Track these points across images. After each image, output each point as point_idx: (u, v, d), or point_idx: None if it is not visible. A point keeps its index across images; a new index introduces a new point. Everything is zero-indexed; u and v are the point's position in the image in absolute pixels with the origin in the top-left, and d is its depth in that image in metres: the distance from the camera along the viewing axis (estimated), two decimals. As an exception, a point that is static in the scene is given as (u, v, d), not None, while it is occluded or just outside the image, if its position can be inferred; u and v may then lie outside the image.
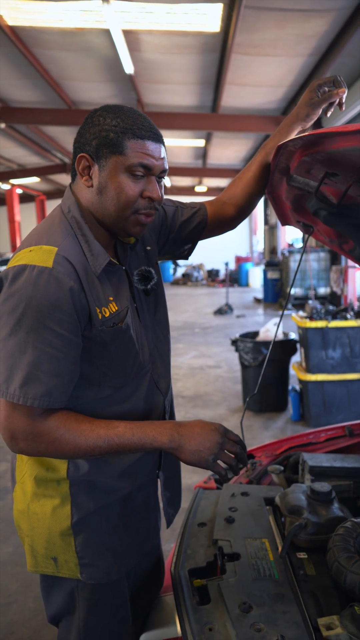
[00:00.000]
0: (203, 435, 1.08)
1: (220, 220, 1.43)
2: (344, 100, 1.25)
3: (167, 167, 1.11)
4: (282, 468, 1.72)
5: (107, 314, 1.07)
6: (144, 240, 1.29)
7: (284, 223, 1.72)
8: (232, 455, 1.13)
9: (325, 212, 1.36)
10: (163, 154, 1.09)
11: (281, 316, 1.64)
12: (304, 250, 1.54)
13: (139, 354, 1.18)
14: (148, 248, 1.29)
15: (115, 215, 1.08)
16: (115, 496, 1.17)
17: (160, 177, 1.11)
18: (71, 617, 1.18)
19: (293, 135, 1.36)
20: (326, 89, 1.26)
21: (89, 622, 1.16)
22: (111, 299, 1.09)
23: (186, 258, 1.50)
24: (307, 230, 1.63)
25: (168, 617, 1.37)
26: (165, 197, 1.45)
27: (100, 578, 1.15)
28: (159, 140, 1.08)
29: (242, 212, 1.45)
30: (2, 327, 0.99)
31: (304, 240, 1.55)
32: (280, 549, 1.29)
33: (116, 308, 1.10)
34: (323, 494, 1.39)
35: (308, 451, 1.90)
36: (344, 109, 1.25)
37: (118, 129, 1.03)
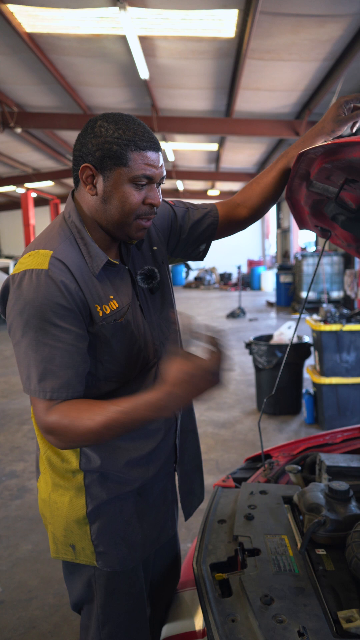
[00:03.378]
0: (194, 387, 1.01)
1: (231, 221, 1.47)
2: None
3: (165, 173, 1.18)
4: (299, 468, 1.75)
5: (108, 311, 1.14)
6: (150, 241, 1.34)
7: (301, 227, 1.76)
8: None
9: (343, 216, 1.39)
10: (162, 162, 1.15)
11: (298, 320, 1.67)
12: (321, 254, 1.57)
13: (142, 350, 1.22)
14: (155, 248, 1.34)
15: (119, 222, 1.14)
16: (128, 487, 1.22)
17: (159, 183, 1.17)
18: (91, 605, 1.24)
19: None
20: (352, 105, 1.30)
21: (106, 610, 1.22)
22: (112, 297, 1.15)
23: (201, 259, 1.54)
24: (324, 234, 1.67)
25: (188, 611, 1.41)
26: (176, 199, 1.50)
27: (115, 566, 1.21)
28: (158, 148, 1.14)
29: (255, 215, 1.49)
30: (15, 331, 1.07)
31: (322, 245, 1.58)
32: (299, 545, 1.32)
33: (117, 305, 1.16)
34: (341, 492, 1.42)
35: (325, 452, 1.93)
36: None
37: (121, 141, 1.08)
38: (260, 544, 1.33)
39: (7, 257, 18.12)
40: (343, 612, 1.09)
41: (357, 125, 1.33)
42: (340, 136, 1.38)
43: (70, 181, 18.70)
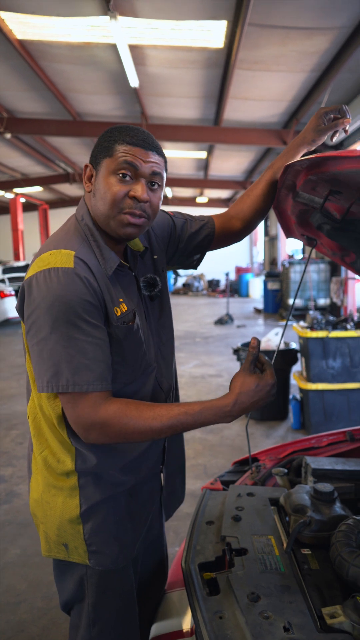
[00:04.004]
0: (256, 396, 1.14)
1: (227, 233, 1.51)
2: (347, 128, 1.36)
3: (159, 172, 1.17)
4: (285, 470, 1.79)
5: (119, 313, 1.17)
6: (152, 250, 1.38)
7: (288, 236, 1.81)
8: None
9: (328, 226, 1.44)
10: (154, 159, 1.15)
11: (284, 327, 1.72)
12: (307, 261, 1.62)
13: (146, 353, 1.27)
14: (155, 257, 1.38)
15: (104, 215, 1.16)
16: (121, 488, 1.25)
17: (152, 183, 1.17)
18: (81, 604, 1.26)
19: (299, 157, 1.45)
20: (332, 116, 1.36)
21: (97, 608, 1.24)
22: (121, 300, 1.19)
23: (195, 268, 1.59)
24: (310, 243, 1.72)
25: (176, 611, 1.44)
26: (175, 211, 1.54)
27: (107, 564, 1.23)
28: (150, 148, 1.15)
29: (248, 226, 1.54)
30: (42, 328, 1.07)
31: (308, 253, 1.63)
32: (285, 545, 1.36)
33: (126, 308, 1.19)
34: (326, 493, 1.46)
35: (311, 455, 1.97)
36: (348, 133, 1.34)
37: (111, 138, 1.14)
38: (247, 544, 1.37)
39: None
40: (327, 609, 1.12)
41: (336, 135, 1.40)
42: (320, 147, 1.44)
43: (59, 187, 18.73)
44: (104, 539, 1.22)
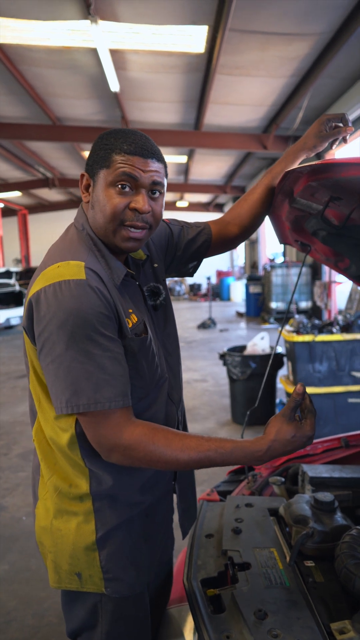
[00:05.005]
0: (290, 446, 1.09)
1: (223, 239, 1.49)
2: (348, 137, 1.35)
3: (159, 181, 1.12)
4: (283, 479, 1.77)
5: (131, 325, 1.12)
6: (151, 258, 1.34)
7: (282, 242, 1.79)
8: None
9: (324, 232, 1.43)
10: (153, 167, 1.10)
11: (280, 332, 1.70)
12: (302, 267, 1.61)
13: (158, 366, 1.22)
14: (155, 265, 1.34)
15: (104, 228, 1.12)
16: (137, 509, 1.19)
17: (153, 192, 1.12)
18: (92, 632, 1.18)
19: (298, 162, 1.44)
20: (333, 124, 1.36)
21: (111, 636, 1.17)
22: (130, 310, 1.14)
23: (191, 275, 1.55)
24: (304, 249, 1.70)
25: (178, 629, 1.40)
26: (171, 217, 1.50)
27: (124, 591, 1.16)
28: (149, 155, 1.09)
29: (245, 232, 1.51)
30: (56, 345, 1.00)
31: (303, 259, 1.62)
32: (288, 557, 1.33)
33: (136, 319, 1.14)
34: (327, 503, 1.44)
35: (306, 462, 1.95)
36: (348, 143, 1.34)
37: (108, 146, 1.08)
38: (249, 557, 1.34)
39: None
40: (335, 624, 1.10)
41: (337, 142, 1.39)
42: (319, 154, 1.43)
43: (39, 192, 18.57)
44: (121, 565, 1.16)
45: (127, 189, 1.08)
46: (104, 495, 1.15)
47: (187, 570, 1.34)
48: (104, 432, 1.04)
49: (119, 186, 1.07)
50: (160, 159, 1.13)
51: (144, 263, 1.30)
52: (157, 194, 1.13)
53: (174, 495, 1.37)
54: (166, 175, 1.16)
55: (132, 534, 1.18)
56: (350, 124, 1.34)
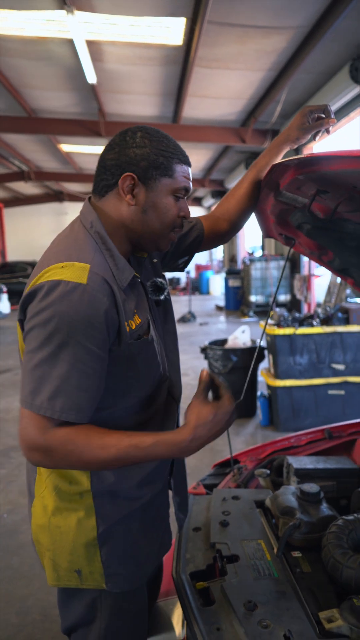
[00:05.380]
0: (215, 427, 1.08)
1: (215, 234, 1.49)
2: (331, 129, 1.36)
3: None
4: (268, 472, 1.78)
5: (134, 327, 1.11)
6: (150, 255, 1.33)
7: (266, 235, 1.80)
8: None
9: (309, 225, 1.44)
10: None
11: (264, 326, 1.70)
12: (286, 261, 1.62)
13: (160, 365, 1.22)
14: (155, 261, 1.34)
15: (158, 233, 1.15)
16: (137, 504, 1.19)
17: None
18: (89, 627, 1.18)
19: (282, 155, 1.44)
20: (316, 115, 1.36)
21: (110, 630, 1.17)
22: (135, 311, 1.13)
23: (182, 270, 1.55)
24: (288, 242, 1.71)
25: (168, 622, 1.41)
26: None
27: (125, 586, 1.16)
28: (190, 165, 1.19)
29: (235, 226, 1.52)
30: (32, 340, 0.99)
31: (287, 252, 1.62)
32: (275, 549, 1.34)
33: (140, 320, 1.13)
34: (313, 494, 1.46)
35: (291, 454, 1.97)
36: (330, 134, 1.35)
37: (167, 153, 1.11)
38: (237, 550, 1.35)
39: None
40: (324, 613, 1.11)
41: (319, 134, 1.39)
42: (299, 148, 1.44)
43: (14, 185, 18.26)
44: (121, 560, 1.16)
45: (180, 197, 1.16)
46: (104, 491, 1.14)
47: (175, 563, 1.34)
48: (28, 430, 1.00)
49: (176, 196, 1.15)
50: None
51: (145, 260, 1.29)
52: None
53: (169, 490, 1.37)
54: None
55: (132, 528, 1.18)
56: (332, 116, 1.35)
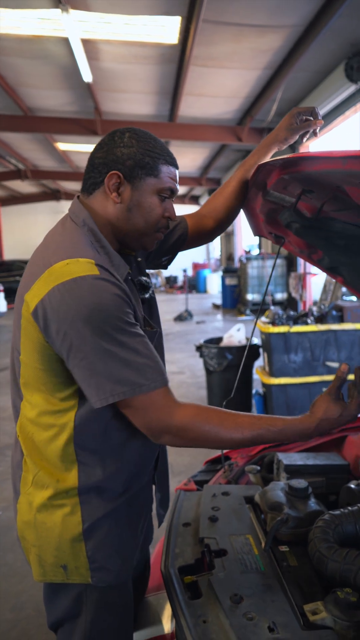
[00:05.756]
0: (336, 424, 1.15)
1: (199, 232, 1.51)
2: (318, 131, 1.40)
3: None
4: (258, 468, 1.80)
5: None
6: (136, 253, 1.34)
7: (256, 234, 1.81)
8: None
9: (298, 224, 1.46)
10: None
11: (254, 325, 1.72)
12: (276, 259, 1.63)
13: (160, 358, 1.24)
14: (139, 259, 1.35)
15: (142, 232, 1.17)
16: (122, 499, 1.20)
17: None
18: (75, 621, 1.18)
19: (270, 155, 1.46)
20: (304, 117, 1.39)
21: (95, 624, 1.18)
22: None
23: (165, 268, 1.57)
24: (278, 241, 1.73)
25: (156, 616, 1.42)
26: None
27: (111, 580, 1.17)
28: (178, 167, 1.22)
29: (221, 225, 1.53)
30: (85, 342, 1.01)
31: (277, 251, 1.64)
32: (263, 543, 1.36)
33: (138, 314, 1.16)
34: (301, 490, 1.47)
35: (281, 451, 1.99)
36: (318, 137, 1.37)
37: (153, 153, 1.14)
38: (226, 544, 1.36)
39: None
40: (309, 605, 1.13)
41: (307, 135, 1.42)
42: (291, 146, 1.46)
43: (11, 183, 18.25)
44: (107, 554, 1.17)
45: (165, 197, 1.18)
46: (91, 487, 1.15)
47: (164, 558, 1.36)
48: (155, 416, 1.06)
49: (161, 196, 1.17)
50: None
51: (132, 258, 1.31)
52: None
53: (153, 485, 1.39)
54: None
55: (117, 523, 1.19)
56: (320, 117, 1.39)
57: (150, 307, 1.35)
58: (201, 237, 1.52)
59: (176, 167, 1.20)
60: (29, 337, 1.08)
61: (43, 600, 1.26)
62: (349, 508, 1.35)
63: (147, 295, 1.30)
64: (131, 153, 1.12)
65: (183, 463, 3.86)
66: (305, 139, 1.43)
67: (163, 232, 1.22)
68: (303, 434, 1.13)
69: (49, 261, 1.06)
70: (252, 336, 1.62)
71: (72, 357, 1.03)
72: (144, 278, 1.31)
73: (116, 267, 1.12)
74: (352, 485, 1.51)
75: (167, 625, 1.39)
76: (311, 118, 1.39)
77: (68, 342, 1.02)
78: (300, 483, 1.50)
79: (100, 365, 1.01)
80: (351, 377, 1.18)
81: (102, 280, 1.02)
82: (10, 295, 13.88)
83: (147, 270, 1.42)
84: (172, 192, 1.19)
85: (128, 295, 1.08)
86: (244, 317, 11.80)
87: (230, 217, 1.53)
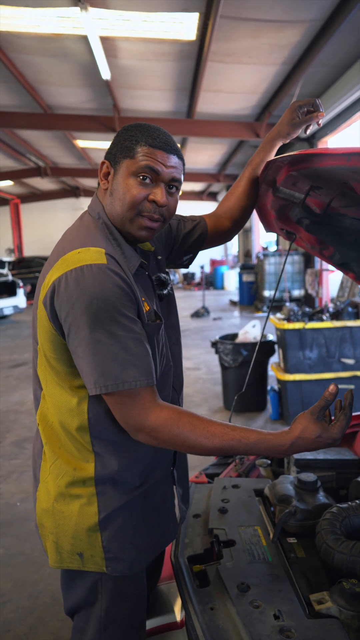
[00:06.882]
0: (314, 445, 1.11)
1: (218, 232, 1.53)
2: (320, 122, 1.39)
3: (178, 177, 1.17)
4: (269, 462, 1.82)
5: (144, 312, 1.15)
6: (155, 251, 1.37)
7: (268, 230, 1.83)
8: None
9: (308, 220, 1.47)
10: (174, 163, 1.15)
11: (266, 319, 1.74)
12: (287, 255, 1.65)
13: (166, 352, 1.26)
14: (159, 257, 1.38)
15: (121, 216, 1.16)
16: (137, 492, 1.21)
17: (170, 187, 1.17)
18: (91, 608, 1.21)
19: (275, 150, 1.47)
20: (305, 110, 1.40)
21: (110, 612, 1.20)
22: (143, 299, 1.16)
23: (186, 267, 1.60)
24: (290, 237, 1.74)
25: (168, 604, 1.46)
26: None
27: (125, 571, 1.19)
28: (172, 151, 1.15)
29: (237, 224, 1.55)
30: (81, 328, 1.03)
31: (288, 247, 1.65)
32: (271, 535, 1.38)
33: (148, 307, 1.17)
34: (309, 483, 1.49)
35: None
36: (321, 125, 1.38)
37: (133, 138, 1.13)
38: (234, 535, 1.39)
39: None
40: (314, 595, 1.15)
41: (310, 128, 1.43)
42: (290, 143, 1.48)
43: (31, 181, 18.45)
44: (121, 545, 1.19)
45: (147, 181, 1.13)
46: (107, 478, 1.17)
47: (174, 548, 1.39)
48: (131, 413, 1.08)
49: (140, 177, 1.12)
50: (180, 157, 1.18)
51: (151, 254, 1.33)
52: (174, 189, 1.18)
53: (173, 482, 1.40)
54: (183, 172, 1.21)
55: (132, 515, 1.21)
56: (321, 109, 1.38)
57: (169, 303, 1.37)
58: (220, 236, 1.54)
59: (164, 149, 1.13)
60: (43, 326, 1.12)
61: (60, 586, 1.29)
62: (357, 501, 1.36)
63: (165, 292, 1.32)
64: (117, 141, 1.16)
65: (198, 458, 3.89)
66: (308, 132, 1.43)
67: (152, 219, 1.16)
68: (277, 450, 1.10)
69: (63, 250, 1.10)
70: (262, 332, 1.64)
71: (71, 342, 1.06)
72: (163, 275, 1.33)
73: (128, 258, 1.15)
74: (362, 480, 1.52)
75: (178, 613, 1.42)
76: (313, 110, 1.39)
77: (67, 327, 1.05)
78: (309, 476, 1.52)
79: (91, 354, 1.04)
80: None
81: (108, 270, 1.04)
82: (30, 292, 14.05)
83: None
84: (155, 172, 1.12)
85: (132, 289, 1.09)
86: (261, 314, 11.77)
87: (245, 216, 1.55)
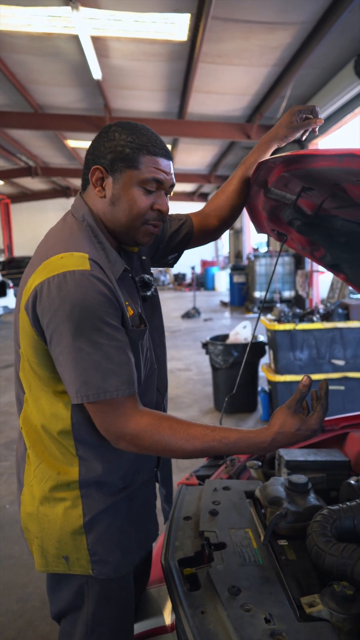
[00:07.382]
0: (294, 439, 1.11)
1: (204, 231, 1.52)
2: (317, 129, 1.41)
3: (174, 183, 1.20)
4: (259, 463, 1.81)
5: (129, 316, 1.14)
6: (140, 251, 1.36)
7: (259, 231, 1.83)
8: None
9: (299, 222, 1.47)
10: (171, 169, 1.18)
11: (257, 320, 1.73)
12: (278, 257, 1.64)
13: (150, 356, 1.25)
14: (143, 258, 1.36)
15: (126, 225, 1.16)
16: (122, 494, 1.21)
17: (167, 192, 1.19)
18: (77, 612, 1.20)
19: (270, 152, 1.47)
20: (304, 115, 1.40)
21: (97, 615, 1.20)
22: (127, 303, 1.15)
23: (171, 266, 1.58)
24: (281, 238, 1.74)
25: (157, 607, 1.44)
26: None
27: (111, 573, 1.19)
28: (170, 157, 1.17)
29: (225, 223, 1.54)
30: (63, 336, 1.02)
31: (279, 248, 1.65)
32: (262, 537, 1.38)
33: (132, 312, 1.16)
34: (300, 485, 1.49)
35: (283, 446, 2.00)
36: (317, 133, 1.39)
37: (134, 145, 1.11)
38: (225, 538, 1.38)
39: None
40: (305, 598, 1.15)
41: (307, 133, 1.44)
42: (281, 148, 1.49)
43: (21, 181, 18.34)
44: (107, 548, 1.18)
45: (151, 189, 1.14)
46: (91, 481, 1.17)
47: (164, 550, 1.38)
48: (112, 421, 1.07)
49: (146, 188, 1.14)
50: (172, 158, 1.19)
51: (134, 255, 1.32)
52: (169, 192, 1.20)
53: (156, 483, 1.39)
54: None
55: (117, 517, 1.21)
56: (320, 116, 1.40)
57: (153, 305, 1.36)
58: (206, 235, 1.53)
59: (164, 156, 1.15)
60: (25, 330, 1.11)
61: (47, 591, 1.28)
62: (348, 503, 1.36)
63: (148, 293, 1.31)
64: (112, 146, 1.13)
65: (189, 459, 3.88)
66: (305, 137, 1.44)
67: (156, 226, 1.19)
68: (258, 448, 1.10)
69: (46, 254, 1.08)
70: (253, 333, 1.64)
71: (53, 349, 1.05)
72: (147, 276, 1.31)
73: (112, 263, 1.13)
74: (352, 481, 1.52)
75: (168, 616, 1.41)
76: (311, 116, 1.40)
77: (50, 334, 1.04)
78: (299, 478, 1.51)
79: (73, 362, 1.03)
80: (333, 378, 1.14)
81: (91, 276, 1.03)
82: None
83: (159, 268, 1.44)
84: (159, 182, 1.14)
85: (116, 295, 1.08)
86: (251, 315, 11.79)
87: (233, 215, 1.54)
